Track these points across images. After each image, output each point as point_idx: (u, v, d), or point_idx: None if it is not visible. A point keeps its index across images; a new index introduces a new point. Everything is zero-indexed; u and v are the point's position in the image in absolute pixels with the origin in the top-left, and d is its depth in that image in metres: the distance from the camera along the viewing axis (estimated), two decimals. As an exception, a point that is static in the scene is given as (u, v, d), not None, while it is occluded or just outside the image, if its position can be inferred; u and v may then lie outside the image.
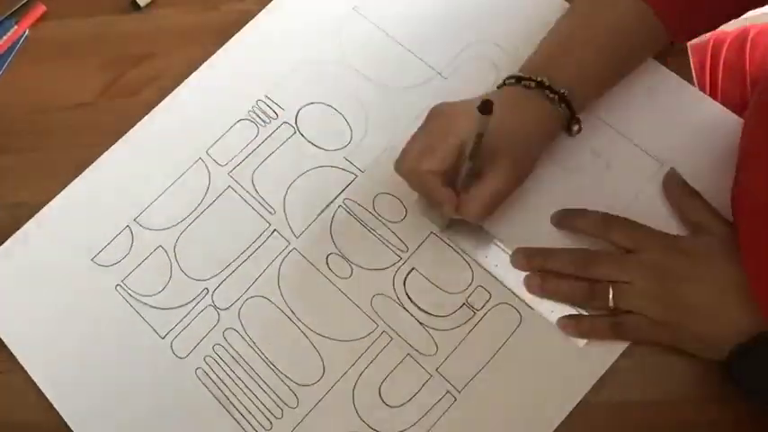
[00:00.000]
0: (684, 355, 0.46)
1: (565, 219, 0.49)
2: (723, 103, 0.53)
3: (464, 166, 0.44)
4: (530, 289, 0.48)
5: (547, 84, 0.46)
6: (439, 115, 0.46)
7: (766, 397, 0.43)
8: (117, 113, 0.58)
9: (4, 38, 0.62)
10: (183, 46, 0.60)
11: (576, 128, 0.50)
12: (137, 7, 0.62)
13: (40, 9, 0.63)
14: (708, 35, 0.68)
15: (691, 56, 0.55)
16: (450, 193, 0.45)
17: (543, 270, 0.48)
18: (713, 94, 0.64)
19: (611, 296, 0.45)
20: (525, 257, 0.49)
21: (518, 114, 0.46)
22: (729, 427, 0.45)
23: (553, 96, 0.46)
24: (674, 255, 0.45)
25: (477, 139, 0.41)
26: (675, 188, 0.49)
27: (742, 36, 0.66)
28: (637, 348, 0.47)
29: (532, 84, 0.46)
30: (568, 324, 0.47)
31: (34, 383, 0.51)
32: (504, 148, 0.45)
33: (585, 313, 0.48)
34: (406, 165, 0.46)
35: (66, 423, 0.50)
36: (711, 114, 0.52)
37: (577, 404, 0.46)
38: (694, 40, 0.62)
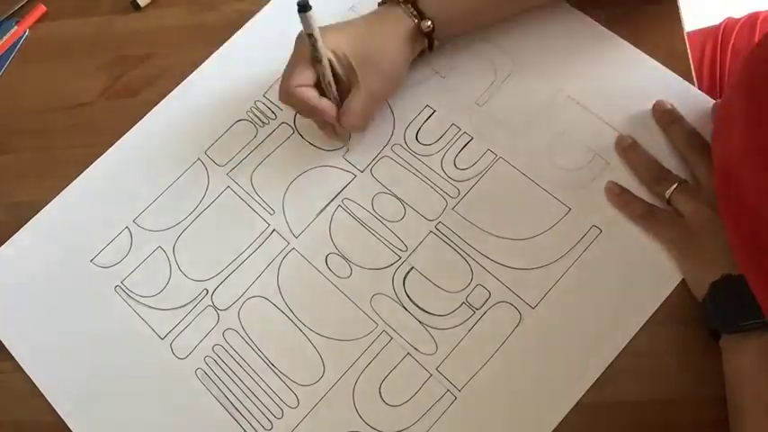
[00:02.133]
0: (684, 356, 0.46)
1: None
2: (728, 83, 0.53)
3: (324, 75, 0.49)
4: (616, 147, 0.51)
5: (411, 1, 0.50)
6: (298, 39, 0.51)
7: (720, 331, 0.44)
8: (117, 113, 0.58)
9: (5, 38, 0.62)
10: (183, 46, 0.60)
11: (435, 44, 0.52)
12: (137, 7, 0.62)
13: (40, 9, 0.63)
14: (720, 21, 0.69)
15: (702, 41, 0.56)
16: (328, 103, 0.50)
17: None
18: (721, 79, 0.65)
19: (671, 188, 0.48)
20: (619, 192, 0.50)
21: (382, 27, 0.50)
22: (729, 428, 0.45)
23: (414, 14, 0.50)
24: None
25: (310, 40, 0.47)
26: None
27: (751, 21, 0.67)
28: (636, 348, 0.47)
29: (401, 2, 0.50)
30: (612, 188, 0.50)
31: (33, 384, 0.51)
32: (369, 61, 0.49)
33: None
34: (282, 89, 0.50)
35: (65, 423, 0.50)
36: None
37: (577, 404, 0.46)
38: (706, 26, 0.62)
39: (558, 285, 0.49)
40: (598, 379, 0.47)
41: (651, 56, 0.54)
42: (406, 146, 0.54)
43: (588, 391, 0.46)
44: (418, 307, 0.50)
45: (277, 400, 0.49)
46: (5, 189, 0.57)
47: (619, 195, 0.50)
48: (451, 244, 0.51)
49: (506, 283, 0.49)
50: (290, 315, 0.51)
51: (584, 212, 0.50)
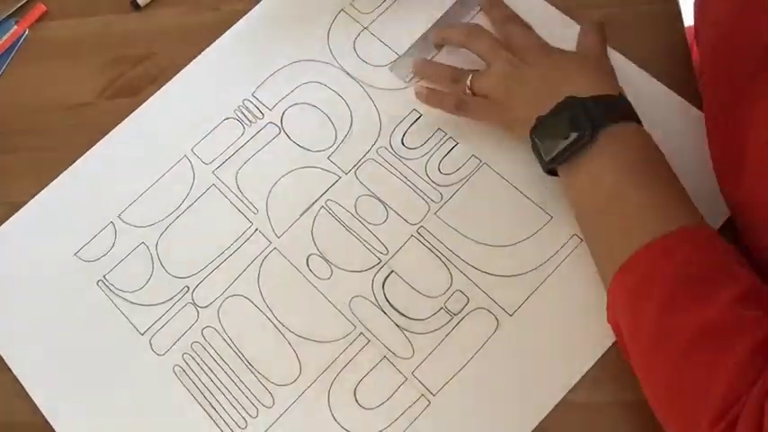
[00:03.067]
0: None
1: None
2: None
3: None
4: (413, 67, 0.55)
5: None
6: None
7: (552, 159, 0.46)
8: (117, 113, 0.58)
9: (4, 38, 0.62)
10: (182, 46, 0.60)
11: None
12: (137, 7, 0.62)
13: (40, 9, 0.63)
14: None
15: None
16: None
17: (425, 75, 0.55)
18: None
19: (469, 79, 0.51)
20: (420, 65, 0.55)
21: None
22: None
23: None
24: (540, 51, 0.51)
25: None
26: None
27: None
28: None
29: None
30: (421, 92, 0.53)
31: (15, 384, 0.51)
32: None
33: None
34: None
35: (45, 420, 0.50)
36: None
37: (577, 404, 0.46)
38: None
39: (536, 293, 0.49)
40: (598, 379, 0.47)
41: (651, 55, 0.54)
42: (391, 149, 0.54)
43: (588, 391, 0.46)
44: (397, 311, 0.50)
45: (253, 399, 0.49)
46: (5, 189, 0.57)
47: (429, 95, 0.53)
48: (432, 249, 0.51)
49: (485, 290, 0.49)
50: (269, 315, 0.51)
51: (566, 221, 0.50)
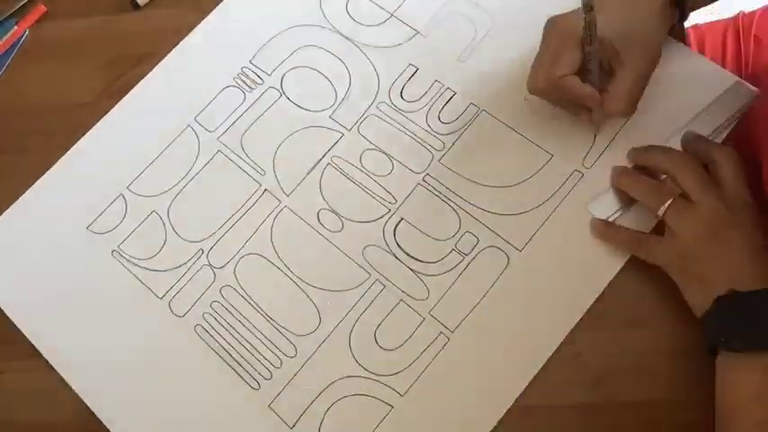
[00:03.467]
0: (685, 356, 0.47)
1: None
2: (753, 72, 0.55)
3: (591, 60, 0.46)
4: (612, 179, 0.50)
5: None
6: (553, 26, 0.48)
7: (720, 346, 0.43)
8: (117, 113, 0.58)
9: (4, 38, 0.62)
10: None
11: (687, 6, 0.48)
12: (136, 6, 0.62)
13: (40, 9, 0.63)
14: (736, 13, 0.71)
15: (722, 32, 0.60)
16: (592, 89, 0.47)
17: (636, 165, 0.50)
18: (746, 67, 0.66)
19: (666, 204, 0.46)
20: (635, 153, 0.50)
21: (637, 4, 0.47)
22: None
23: None
24: (749, 209, 0.45)
25: (588, 17, 0.43)
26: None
27: None
28: (636, 348, 0.47)
29: None
30: (597, 225, 0.49)
31: (33, 385, 0.52)
32: (632, 41, 0.46)
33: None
34: (541, 76, 0.47)
35: (69, 386, 0.51)
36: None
37: (577, 404, 0.47)
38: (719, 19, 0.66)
39: (543, 228, 0.51)
40: (598, 379, 0.47)
41: None
42: (391, 103, 0.56)
43: (588, 391, 0.47)
44: (409, 255, 0.51)
45: (275, 350, 0.50)
46: (5, 189, 0.57)
47: (603, 231, 0.49)
48: (439, 194, 0.52)
49: (493, 229, 0.51)
50: (285, 270, 0.52)
51: (566, 158, 0.52)
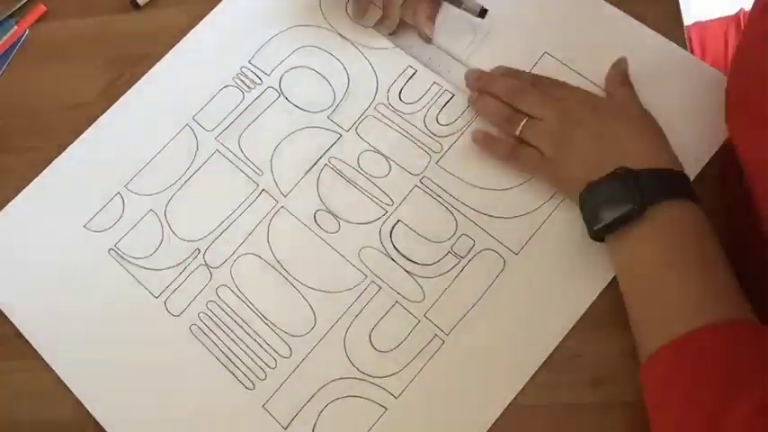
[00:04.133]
0: None
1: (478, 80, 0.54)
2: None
3: None
4: (469, 99, 0.54)
5: None
6: None
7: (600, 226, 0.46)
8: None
9: (4, 38, 0.62)
10: None
11: None
12: (136, 6, 0.62)
13: (40, 9, 0.63)
14: (737, 12, 0.72)
15: (723, 29, 0.61)
16: None
17: (485, 91, 0.53)
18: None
19: (520, 126, 0.50)
20: (474, 78, 0.54)
21: None
22: None
23: None
24: (585, 107, 0.50)
25: None
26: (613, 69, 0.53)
27: None
28: (636, 348, 0.46)
29: None
30: (477, 134, 0.53)
31: (35, 384, 0.52)
32: None
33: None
34: None
35: (65, 384, 0.51)
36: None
37: (577, 404, 0.47)
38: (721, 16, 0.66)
39: (540, 231, 0.50)
40: (598, 379, 0.47)
41: None
42: (389, 105, 0.56)
43: (588, 391, 0.47)
44: (405, 257, 0.51)
45: (270, 351, 0.50)
46: (6, 189, 0.57)
47: (483, 140, 0.53)
48: (436, 197, 0.52)
49: (490, 232, 0.51)
50: (281, 270, 0.52)
51: (564, 161, 0.52)
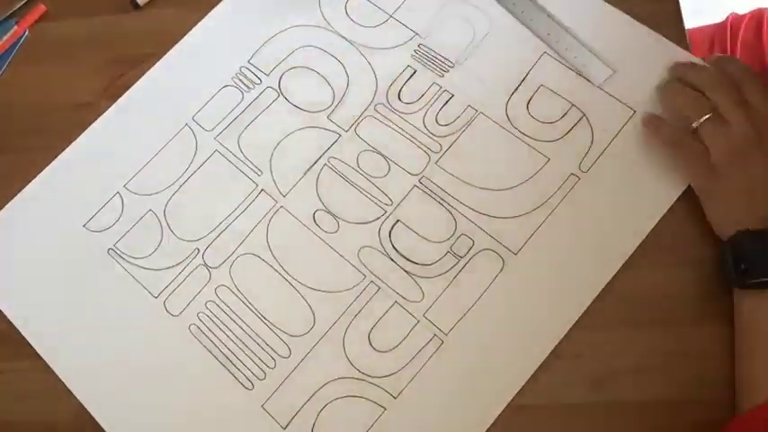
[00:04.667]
0: (685, 356, 0.47)
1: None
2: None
3: None
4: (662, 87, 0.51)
5: None
6: None
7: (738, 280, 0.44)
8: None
9: (4, 38, 0.62)
10: None
11: None
12: (136, 7, 0.62)
13: (40, 9, 0.63)
14: (726, 16, 0.71)
15: (709, 38, 0.60)
16: None
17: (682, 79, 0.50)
18: None
19: (702, 118, 0.47)
20: (681, 69, 0.51)
21: None
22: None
23: None
24: None
25: None
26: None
27: (757, 17, 0.69)
28: (636, 348, 0.47)
29: None
30: (645, 117, 0.50)
31: (32, 385, 0.52)
32: None
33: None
34: None
35: (63, 384, 0.51)
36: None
37: (577, 404, 0.47)
38: (709, 23, 0.65)
39: (539, 232, 0.50)
40: (598, 379, 0.47)
41: None
42: (388, 105, 0.56)
43: (588, 391, 0.47)
44: (404, 257, 0.51)
45: (269, 351, 0.50)
46: (6, 189, 0.57)
47: (649, 121, 0.50)
48: (435, 197, 0.52)
49: (489, 232, 0.51)
50: (280, 270, 0.52)
51: (562, 161, 0.52)
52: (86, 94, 0.60)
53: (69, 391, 0.51)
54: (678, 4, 0.55)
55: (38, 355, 0.52)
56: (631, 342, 0.47)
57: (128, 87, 0.59)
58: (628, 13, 0.55)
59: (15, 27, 0.63)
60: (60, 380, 0.51)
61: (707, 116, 0.47)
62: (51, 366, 0.52)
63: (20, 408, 0.52)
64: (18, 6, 0.63)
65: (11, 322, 0.53)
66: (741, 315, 0.45)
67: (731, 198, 0.46)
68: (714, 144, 0.46)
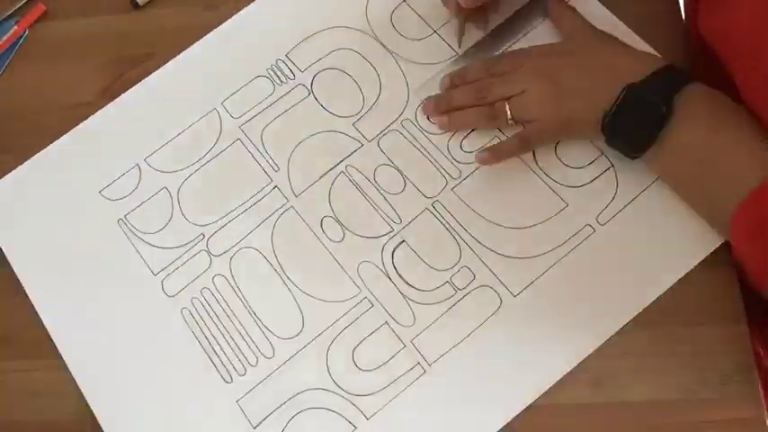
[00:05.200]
0: (685, 356, 0.46)
1: (453, 81, 0.54)
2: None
3: None
4: (441, 127, 0.53)
5: None
6: None
7: (637, 143, 0.47)
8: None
9: (4, 38, 0.62)
10: (182, 46, 0.60)
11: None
12: (136, 7, 0.62)
13: (40, 9, 0.63)
14: None
15: None
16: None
17: (450, 109, 0.53)
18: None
19: (508, 110, 0.50)
20: (433, 105, 0.54)
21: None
22: (729, 428, 0.45)
23: None
24: (553, 57, 0.51)
25: None
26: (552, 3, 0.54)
27: None
28: (636, 349, 0.47)
29: None
30: (483, 156, 0.51)
31: (37, 384, 0.52)
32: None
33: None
34: None
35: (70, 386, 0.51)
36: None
37: (576, 404, 0.46)
38: None
39: (542, 278, 0.49)
40: (598, 379, 0.47)
41: None
42: (416, 122, 0.55)
43: (588, 391, 0.47)
44: (403, 279, 0.51)
45: (254, 348, 0.50)
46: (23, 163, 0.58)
47: (489, 154, 0.51)
48: (444, 223, 0.52)
49: (492, 269, 0.50)
50: (279, 270, 0.52)
51: (581, 210, 0.50)
52: (86, 94, 0.60)
53: (73, 390, 0.51)
54: (678, 4, 0.55)
55: (41, 355, 0.52)
56: (631, 342, 0.47)
57: (128, 87, 0.58)
58: (629, 15, 0.54)
59: (15, 27, 0.62)
60: (63, 380, 0.51)
61: (507, 106, 0.50)
62: (42, 318, 0.52)
63: (21, 407, 0.52)
64: (18, 6, 0.63)
65: (6, 322, 0.54)
66: (658, 171, 0.49)
67: (578, 118, 0.49)
68: (533, 109, 0.50)
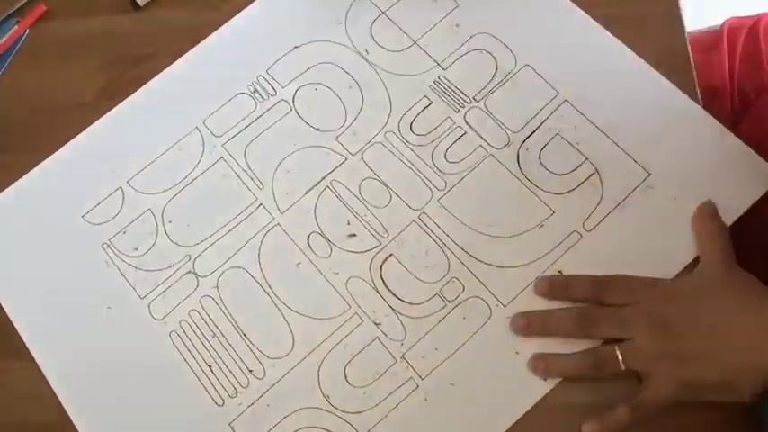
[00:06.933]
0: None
1: (554, 289, 0.48)
2: (739, 87, 0.61)
3: None
4: (536, 370, 0.47)
5: None
6: None
7: None
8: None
9: (5, 38, 0.61)
10: (182, 46, 0.59)
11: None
12: (136, 7, 0.61)
13: (41, 9, 0.63)
14: (721, 24, 0.70)
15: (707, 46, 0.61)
16: None
17: (543, 334, 0.47)
18: (730, 77, 0.66)
19: (620, 360, 0.45)
20: (525, 324, 0.48)
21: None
22: (729, 429, 0.45)
23: None
24: (664, 302, 0.46)
25: None
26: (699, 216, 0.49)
27: (756, 25, 0.67)
28: None
29: None
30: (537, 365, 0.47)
31: (30, 384, 0.51)
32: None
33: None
34: None
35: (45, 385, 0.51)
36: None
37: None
38: (705, 27, 0.66)
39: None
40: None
41: (652, 56, 0.54)
42: (399, 134, 0.55)
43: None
44: (392, 293, 0.50)
45: (245, 369, 0.50)
46: (5, 188, 0.57)
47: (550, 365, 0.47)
48: (432, 235, 0.51)
49: (481, 279, 0.50)
50: (267, 288, 0.51)
51: (567, 217, 0.50)
52: (86, 94, 0.59)
53: (51, 393, 0.50)
54: (678, 4, 0.55)
55: (27, 356, 0.52)
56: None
57: (128, 87, 0.58)
58: (629, 15, 0.54)
59: (16, 27, 0.62)
60: (41, 380, 0.51)
61: (617, 352, 0.45)
62: (26, 344, 0.52)
63: (12, 407, 0.52)
64: (19, 6, 0.63)
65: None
66: None
67: (708, 382, 0.44)
68: (646, 363, 0.45)
